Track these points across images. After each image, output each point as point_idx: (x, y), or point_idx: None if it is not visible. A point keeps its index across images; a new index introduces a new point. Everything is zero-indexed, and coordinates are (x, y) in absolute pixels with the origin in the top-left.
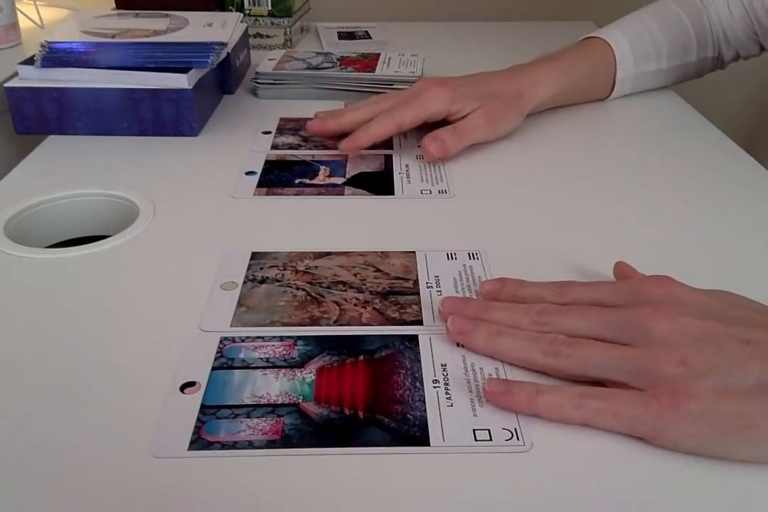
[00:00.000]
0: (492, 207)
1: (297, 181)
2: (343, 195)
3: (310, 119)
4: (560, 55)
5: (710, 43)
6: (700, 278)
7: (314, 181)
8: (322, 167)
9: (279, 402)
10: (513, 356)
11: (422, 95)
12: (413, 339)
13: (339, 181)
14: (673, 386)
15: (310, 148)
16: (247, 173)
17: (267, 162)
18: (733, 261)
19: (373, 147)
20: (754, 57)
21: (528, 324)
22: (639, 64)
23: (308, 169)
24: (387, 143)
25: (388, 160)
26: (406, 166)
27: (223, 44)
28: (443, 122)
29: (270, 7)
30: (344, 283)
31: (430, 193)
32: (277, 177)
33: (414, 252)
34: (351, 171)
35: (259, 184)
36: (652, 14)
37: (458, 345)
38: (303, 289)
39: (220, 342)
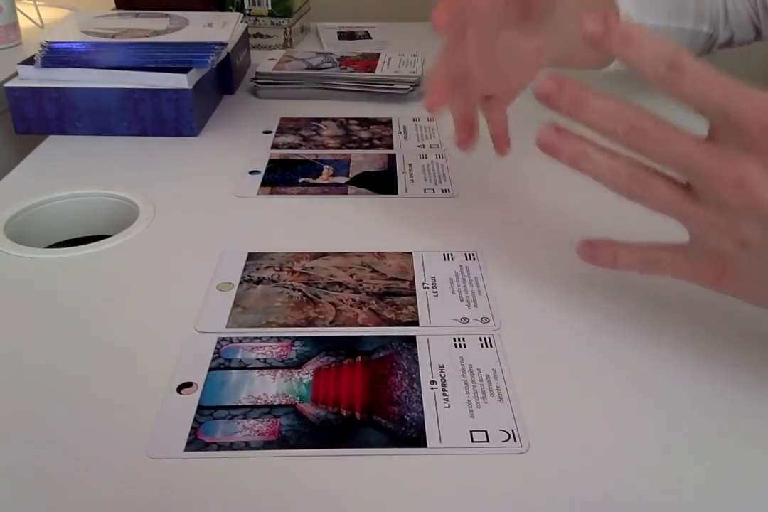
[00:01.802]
0: (495, 206)
1: (300, 180)
2: (346, 194)
3: (311, 119)
4: None
5: (707, 15)
6: None
7: (317, 181)
8: (326, 166)
9: (276, 403)
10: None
11: None
12: (411, 340)
13: (342, 180)
14: (723, 264)
15: (310, 148)
16: (251, 172)
17: (270, 161)
18: None
19: (375, 146)
20: (747, 44)
21: (622, 134)
22: (641, 15)
23: (311, 168)
24: (388, 142)
25: (392, 159)
26: (409, 165)
27: (223, 44)
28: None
29: (270, 7)
30: (340, 284)
31: (434, 192)
32: (281, 176)
33: (411, 252)
34: (354, 170)
35: (263, 183)
36: None
37: (456, 345)
38: (299, 290)
39: (218, 342)
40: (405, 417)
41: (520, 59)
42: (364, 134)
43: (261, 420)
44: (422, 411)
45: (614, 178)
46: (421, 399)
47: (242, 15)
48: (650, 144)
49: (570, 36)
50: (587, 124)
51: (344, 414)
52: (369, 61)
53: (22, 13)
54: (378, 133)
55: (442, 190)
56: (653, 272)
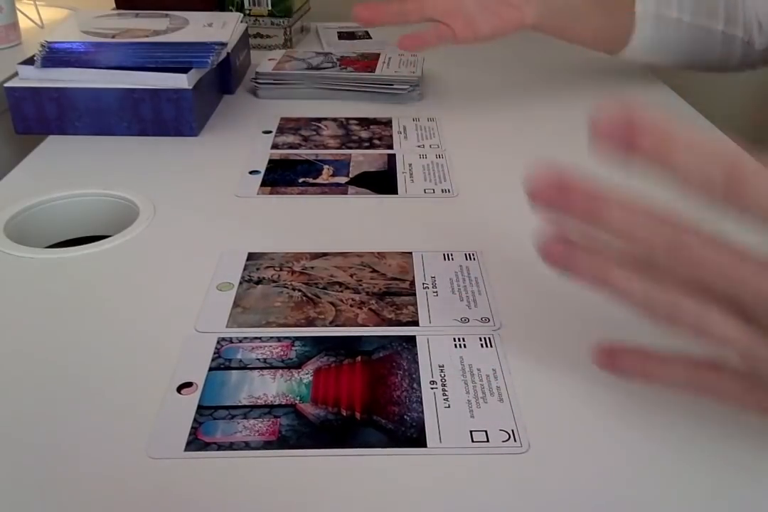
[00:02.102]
0: (495, 206)
1: (300, 180)
2: (346, 194)
3: (311, 119)
4: None
5: (740, 21)
6: None
7: (317, 181)
8: (326, 166)
9: (276, 403)
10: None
11: None
12: (411, 340)
13: (342, 180)
14: None
15: (311, 148)
16: (251, 172)
17: (270, 161)
18: None
19: (375, 146)
20: None
21: (661, 254)
22: (660, 4)
23: (311, 168)
24: (388, 142)
25: (392, 159)
26: (409, 165)
27: (223, 44)
28: None
29: (270, 7)
30: (340, 284)
31: (434, 192)
32: (281, 176)
33: (411, 252)
34: (354, 170)
35: (263, 183)
36: None
37: (456, 345)
38: (299, 290)
39: (218, 342)
40: (405, 417)
41: (490, 7)
42: (364, 134)
43: (261, 420)
44: (422, 411)
45: (651, 307)
46: (421, 399)
47: (242, 15)
48: (702, 273)
49: (568, 6)
50: (606, 234)
51: (344, 414)
52: (369, 61)
53: (22, 13)
54: (378, 133)
55: (442, 190)
56: (705, 396)
